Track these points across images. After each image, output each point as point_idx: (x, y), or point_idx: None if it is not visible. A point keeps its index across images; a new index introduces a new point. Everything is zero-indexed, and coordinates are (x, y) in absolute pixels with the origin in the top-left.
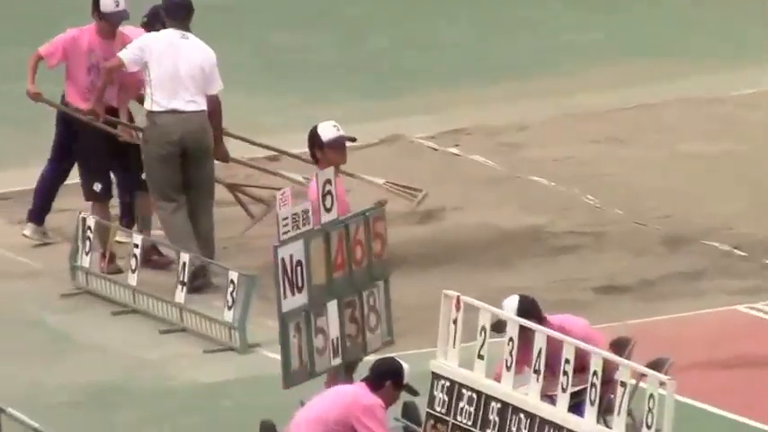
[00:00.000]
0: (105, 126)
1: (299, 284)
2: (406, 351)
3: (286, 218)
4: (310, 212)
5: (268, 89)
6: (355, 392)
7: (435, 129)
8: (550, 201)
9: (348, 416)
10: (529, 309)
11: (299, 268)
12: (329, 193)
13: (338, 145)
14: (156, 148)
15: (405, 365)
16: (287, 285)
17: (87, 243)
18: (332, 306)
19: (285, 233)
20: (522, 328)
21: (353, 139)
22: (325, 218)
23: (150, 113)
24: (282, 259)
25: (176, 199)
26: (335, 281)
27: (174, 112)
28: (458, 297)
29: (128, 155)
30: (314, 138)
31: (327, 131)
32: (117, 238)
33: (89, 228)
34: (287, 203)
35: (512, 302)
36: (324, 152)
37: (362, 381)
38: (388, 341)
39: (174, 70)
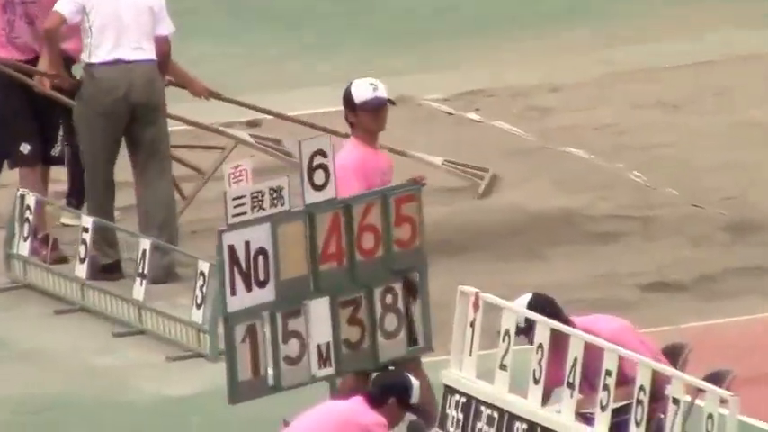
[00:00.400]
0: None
1: (261, 278)
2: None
3: (240, 197)
4: (285, 191)
5: (239, 39)
6: (351, 409)
7: (450, 89)
8: (588, 177)
9: None
10: (545, 309)
11: (260, 258)
12: (321, 167)
13: (373, 107)
14: (95, 106)
15: (414, 382)
16: (237, 279)
17: (26, 226)
18: (317, 305)
19: (237, 215)
20: (554, 333)
21: (393, 102)
22: (312, 197)
23: (88, 66)
24: (231, 247)
25: (109, 171)
26: (324, 274)
27: (117, 62)
28: (476, 294)
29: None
30: (347, 98)
31: (361, 91)
32: (63, 220)
33: (28, 208)
34: (242, 180)
35: (523, 301)
36: (357, 116)
37: (362, 395)
38: (422, 349)
39: (116, 13)
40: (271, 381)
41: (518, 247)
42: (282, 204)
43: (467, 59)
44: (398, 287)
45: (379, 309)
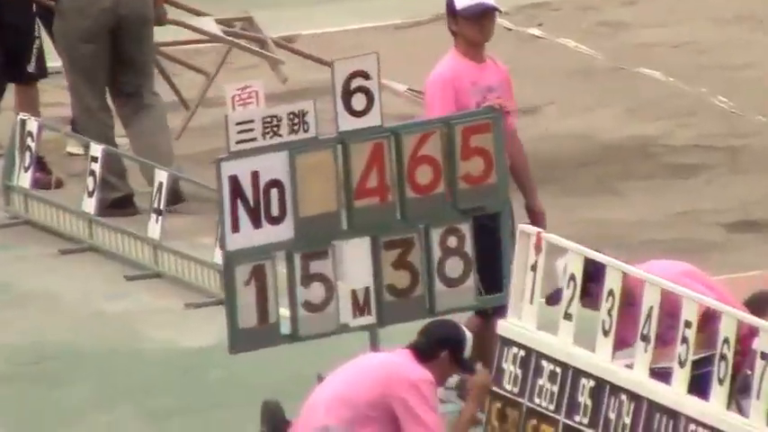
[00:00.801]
0: None
1: (274, 214)
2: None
3: (246, 121)
4: (311, 115)
5: None
6: (396, 363)
7: (509, 1)
8: (667, 102)
9: (386, 396)
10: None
11: (273, 191)
12: (360, 90)
13: (476, 14)
14: (80, 20)
15: (467, 334)
16: (242, 214)
17: (27, 155)
18: (353, 246)
19: (242, 142)
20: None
21: (499, 10)
22: (347, 124)
23: None
24: (233, 178)
25: (101, 94)
26: (361, 211)
27: None
28: (538, 234)
29: None
30: (448, 3)
31: None
32: (68, 149)
33: (30, 134)
34: (250, 103)
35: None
36: (458, 23)
37: (408, 348)
38: (495, 299)
39: None
40: (287, 329)
41: (587, 181)
42: (306, 131)
43: None
44: (466, 228)
45: (437, 252)
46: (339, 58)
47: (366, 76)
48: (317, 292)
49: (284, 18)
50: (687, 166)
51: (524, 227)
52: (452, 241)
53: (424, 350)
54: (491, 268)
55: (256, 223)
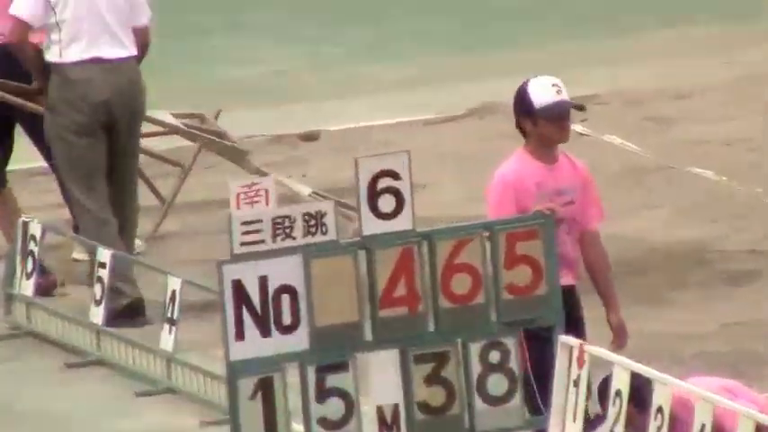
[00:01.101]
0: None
1: (286, 323)
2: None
3: (253, 221)
4: (330, 218)
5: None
6: None
7: None
8: (720, 204)
9: None
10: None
11: (285, 297)
12: (390, 191)
13: (557, 114)
14: (72, 114)
15: None
16: (248, 322)
17: (30, 261)
18: (380, 358)
19: (247, 244)
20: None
21: (582, 108)
22: (372, 227)
23: (59, 67)
24: (236, 282)
25: (100, 193)
26: (388, 322)
27: (96, 61)
28: (581, 346)
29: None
30: (522, 99)
31: (542, 92)
32: (74, 255)
33: (33, 238)
34: (258, 202)
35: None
36: (536, 122)
37: None
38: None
39: (90, 1)
40: None
41: (636, 289)
42: (325, 233)
43: (571, 58)
44: (510, 342)
45: (477, 367)
46: (364, 155)
47: (395, 176)
48: (334, 408)
49: (307, 112)
50: (742, 273)
51: (565, 338)
52: (495, 356)
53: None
54: (541, 385)
55: (264, 332)
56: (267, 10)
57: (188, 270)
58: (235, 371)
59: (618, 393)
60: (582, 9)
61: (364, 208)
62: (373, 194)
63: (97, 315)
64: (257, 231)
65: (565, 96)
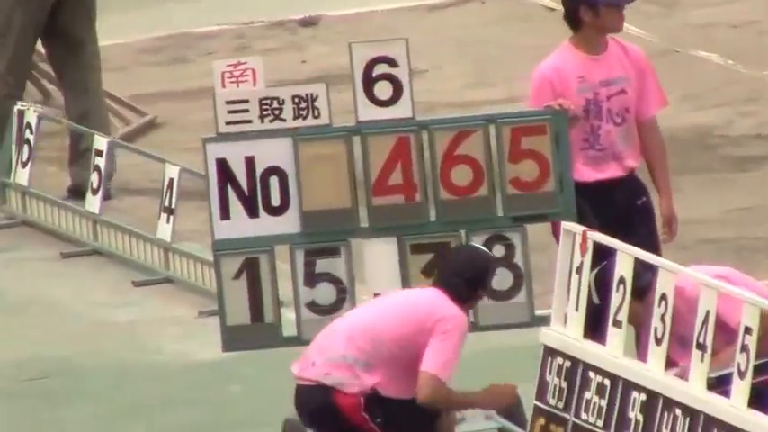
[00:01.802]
0: None
1: (275, 204)
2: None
3: (241, 101)
4: (323, 100)
5: None
6: (432, 302)
7: None
8: (726, 89)
9: (418, 334)
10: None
11: (273, 179)
12: (386, 77)
13: (620, 4)
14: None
15: (491, 258)
16: (233, 201)
17: (26, 149)
18: (376, 246)
19: (233, 123)
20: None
21: None
22: (368, 114)
23: None
24: (220, 161)
25: (19, 63)
26: (383, 210)
27: None
28: (584, 232)
29: None
30: None
31: None
32: None
33: (29, 126)
34: (245, 81)
35: None
36: (598, 12)
37: (441, 287)
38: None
39: None
40: (290, 330)
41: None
42: (316, 117)
43: None
44: (516, 238)
45: None
46: (361, 41)
47: (392, 63)
48: (324, 293)
49: None
50: (748, 158)
51: (568, 225)
52: (499, 250)
53: (460, 293)
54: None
55: (252, 213)
56: None
57: (185, 158)
58: (220, 249)
59: (621, 280)
60: None
61: (359, 93)
62: (369, 81)
63: (93, 204)
64: (244, 111)
65: None
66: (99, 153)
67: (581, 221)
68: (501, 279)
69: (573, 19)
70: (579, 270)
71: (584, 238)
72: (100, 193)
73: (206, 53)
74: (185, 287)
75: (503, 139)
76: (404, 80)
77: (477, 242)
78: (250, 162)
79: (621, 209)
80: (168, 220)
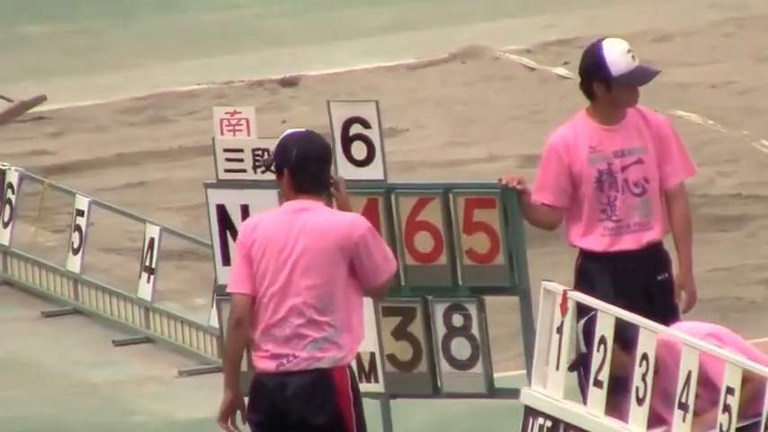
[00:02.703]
0: None
1: None
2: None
3: (237, 150)
4: None
5: None
6: (335, 221)
7: (531, 38)
8: (705, 148)
9: (347, 247)
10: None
11: None
12: (360, 138)
13: (634, 82)
14: None
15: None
16: (232, 246)
17: (8, 209)
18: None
19: (231, 171)
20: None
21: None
22: (347, 172)
23: None
24: (220, 207)
25: None
26: None
27: None
28: (564, 292)
29: None
30: (597, 65)
31: (619, 58)
32: None
33: (10, 185)
34: (240, 130)
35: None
36: (610, 88)
37: (317, 200)
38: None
39: None
40: None
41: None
42: None
43: (551, 2)
44: (473, 308)
45: (442, 329)
46: (338, 99)
47: (365, 123)
48: None
49: (288, 57)
50: (728, 218)
51: (548, 284)
52: (458, 320)
53: (320, 188)
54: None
55: None
56: None
57: (166, 217)
58: (222, 294)
59: (602, 340)
60: None
61: (339, 153)
62: (346, 140)
63: (75, 264)
64: (239, 161)
65: (638, 61)
66: (80, 213)
67: (593, 292)
68: (460, 348)
69: (587, 91)
70: (560, 330)
71: (564, 298)
72: (81, 252)
73: (187, 113)
74: (165, 346)
75: (458, 209)
76: (376, 142)
77: (440, 310)
78: (245, 211)
79: (641, 282)
80: (149, 280)
